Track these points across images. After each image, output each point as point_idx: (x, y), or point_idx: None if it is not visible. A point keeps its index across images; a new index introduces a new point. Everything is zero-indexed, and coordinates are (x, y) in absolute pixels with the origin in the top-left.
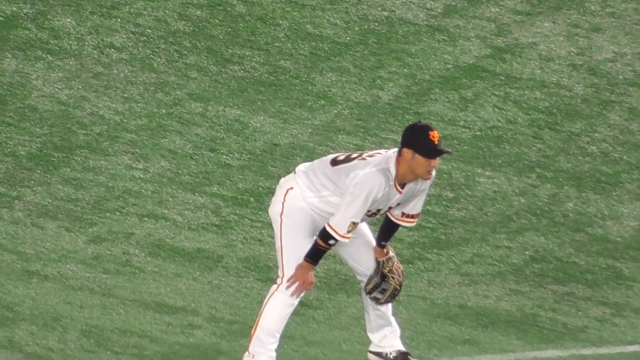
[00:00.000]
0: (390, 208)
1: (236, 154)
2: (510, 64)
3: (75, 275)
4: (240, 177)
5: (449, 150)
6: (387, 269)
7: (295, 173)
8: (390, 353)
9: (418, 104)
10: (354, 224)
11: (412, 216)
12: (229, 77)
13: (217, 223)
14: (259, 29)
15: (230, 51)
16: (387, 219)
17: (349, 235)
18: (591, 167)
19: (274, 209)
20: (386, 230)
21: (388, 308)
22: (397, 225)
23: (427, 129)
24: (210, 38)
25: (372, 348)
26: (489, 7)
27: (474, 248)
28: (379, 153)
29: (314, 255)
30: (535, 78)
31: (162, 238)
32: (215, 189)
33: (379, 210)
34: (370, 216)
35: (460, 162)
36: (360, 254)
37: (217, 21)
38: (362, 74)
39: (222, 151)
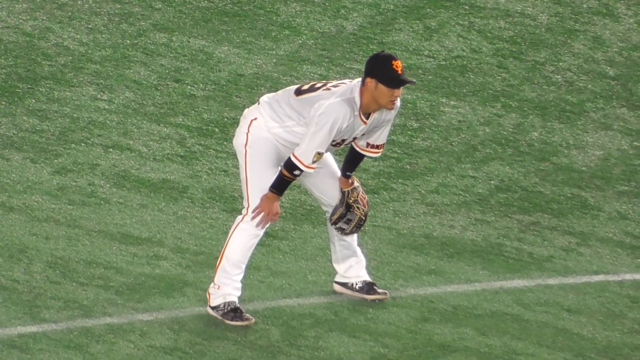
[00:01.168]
0: (355, 138)
1: (201, 85)
2: None
3: (41, 206)
4: (205, 107)
5: (412, 80)
6: (352, 199)
7: (259, 104)
8: (356, 284)
9: (382, 33)
10: (319, 154)
11: (377, 146)
12: (193, 7)
13: (182, 154)
14: None
15: None
16: (352, 150)
17: (314, 165)
18: (556, 96)
19: (238, 139)
20: (351, 161)
21: (353, 239)
22: (362, 156)
23: (390, 58)
24: None
25: (337, 278)
26: None
27: (439, 178)
28: (343, 83)
29: (279, 186)
30: (499, 7)
31: (127, 169)
32: (180, 119)
33: (343, 141)
34: (334, 146)
35: (425, 92)
36: (325, 185)
37: None
38: (326, 4)
39: (186, 82)
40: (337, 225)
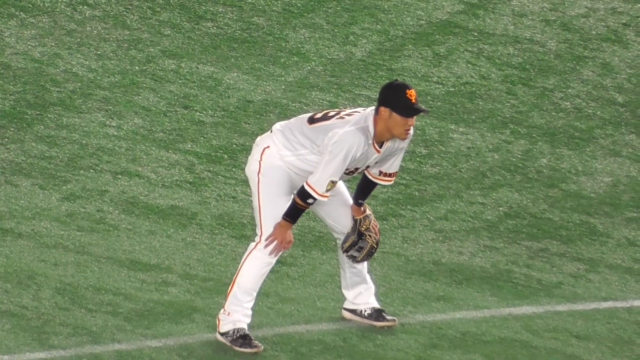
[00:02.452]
0: (367, 167)
1: (210, 111)
2: (484, 20)
3: (49, 232)
4: (214, 134)
5: (427, 109)
6: (364, 227)
7: (272, 132)
8: (365, 310)
9: (391, 60)
10: (333, 183)
11: (390, 175)
12: (202, 33)
13: (190, 180)
14: None
15: (204, 8)
16: (364, 178)
17: (328, 194)
18: (565, 122)
19: (251, 167)
20: (363, 189)
21: (363, 266)
22: (375, 184)
23: (404, 87)
24: None
25: (346, 305)
26: None
27: (448, 204)
28: (356, 111)
29: (292, 214)
30: (508, 34)
31: (136, 195)
32: (189, 146)
33: (356, 169)
34: (347, 174)
35: (434, 119)
36: (337, 213)
37: None
38: (335, 31)
39: (195, 108)
40: (348, 253)
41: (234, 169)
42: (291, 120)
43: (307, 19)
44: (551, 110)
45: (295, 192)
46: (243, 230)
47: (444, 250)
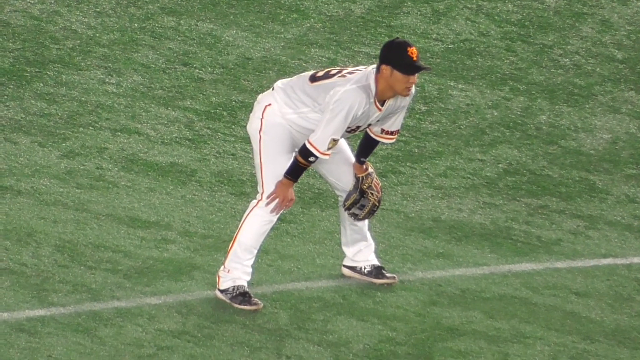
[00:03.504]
0: (369, 125)
1: (209, 68)
2: None
3: (49, 190)
4: (213, 91)
5: (428, 66)
6: (366, 185)
7: (273, 89)
8: (365, 267)
9: (390, 17)
10: (334, 141)
11: (392, 133)
12: None
13: (190, 137)
14: None
15: None
16: (367, 136)
17: (329, 152)
18: (564, 79)
19: (252, 125)
20: (365, 147)
21: (364, 223)
22: (377, 142)
23: (405, 45)
24: None
25: (346, 262)
26: None
27: (447, 161)
28: (358, 70)
29: (294, 172)
30: None
31: (135, 152)
32: (188, 103)
33: (358, 127)
34: (349, 132)
35: (433, 75)
36: (339, 170)
37: None
38: None
39: (194, 65)
40: (350, 211)
41: (233, 126)
42: (293, 78)
43: None
44: (550, 67)
45: (296, 150)
46: (242, 188)
47: (443, 207)
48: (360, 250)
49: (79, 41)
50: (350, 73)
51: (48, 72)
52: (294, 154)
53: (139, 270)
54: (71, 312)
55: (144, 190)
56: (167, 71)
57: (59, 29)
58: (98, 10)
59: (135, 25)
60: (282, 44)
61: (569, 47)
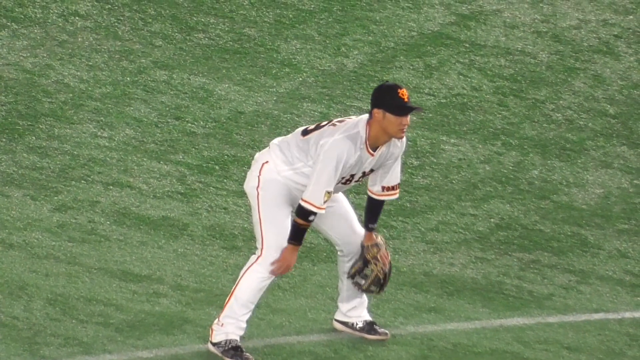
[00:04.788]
0: (364, 174)
1: (201, 122)
2: (475, 31)
3: (41, 243)
4: (206, 145)
5: (420, 107)
6: (371, 255)
7: (269, 147)
8: (357, 323)
9: (383, 71)
10: (329, 194)
11: (393, 187)
12: (194, 44)
13: (182, 191)
14: None
15: (195, 19)
16: (370, 200)
17: (325, 205)
18: (556, 134)
19: (250, 183)
20: (371, 210)
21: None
22: (381, 202)
23: (395, 87)
24: (175, 6)
25: (338, 316)
26: None
27: (439, 216)
28: (348, 118)
29: (296, 236)
30: (499, 45)
31: (128, 206)
32: (181, 157)
33: (352, 176)
34: (345, 183)
35: (425, 130)
36: (335, 223)
37: None
38: (327, 42)
39: (187, 119)
40: (353, 280)
41: (225, 180)
42: (288, 135)
43: (298, 30)
44: (542, 121)
45: (294, 211)
46: (234, 242)
47: (435, 261)
48: (355, 307)
49: (71, 95)
50: (339, 121)
51: (40, 126)
52: (292, 215)
53: (130, 324)
54: None
55: (136, 244)
56: (159, 125)
57: (51, 83)
58: (90, 64)
59: (128, 79)
60: (275, 98)
61: (561, 102)
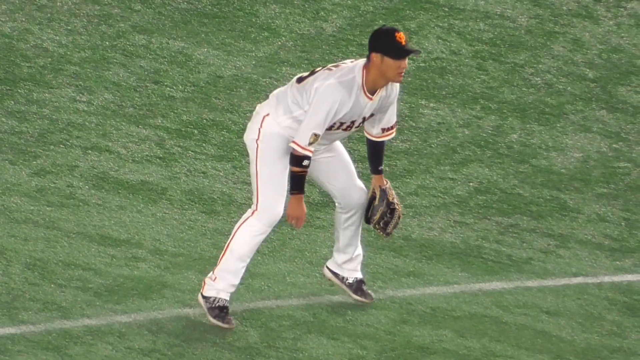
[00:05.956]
0: (364, 120)
1: (180, 86)
2: None
3: (19, 208)
4: (184, 109)
5: (418, 49)
6: (391, 197)
7: (269, 99)
8: (348, 278)
9: (361, 35)
10: (316, 136)
11: (391, 127)
12: (173, 9)
13: (161, 155)
14: None
15: None
16: (370, 143)
17: (312, 147)
18: (535, 98)
19: (250, 134)
20: (374, 153)
21: (358, 231)
22: (382, 144)
23: (392, 31)
24: None
25: (331, 265)
26: None
27: (418, 180)
28: (343, 63)
29: (295, 185)
30: (479, 9)
31: (106, 170)
32: (159, 121)
33: (353, 123)
34: (345, 130)
35: (404, 94)
36: (335, 174)
37: None
38: (306, 6)
39: (165, 83)
40: (379, 225)
41: (204, 144)
42: (285, 85)
43: None
44: (522, 85)
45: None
46: (213, 206)
47: (414, 225)
48: (351, 259)
49: (50, 59)
50: (335, 66)
51: (19, 90)
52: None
53: (109, 288)
54: (41, 330)
55: (115, 209)
56: (138, 89)
57: (30, 47)
58: (69, 28)
59: (107, 43)
60: (254, 62)
61: (540, 66)
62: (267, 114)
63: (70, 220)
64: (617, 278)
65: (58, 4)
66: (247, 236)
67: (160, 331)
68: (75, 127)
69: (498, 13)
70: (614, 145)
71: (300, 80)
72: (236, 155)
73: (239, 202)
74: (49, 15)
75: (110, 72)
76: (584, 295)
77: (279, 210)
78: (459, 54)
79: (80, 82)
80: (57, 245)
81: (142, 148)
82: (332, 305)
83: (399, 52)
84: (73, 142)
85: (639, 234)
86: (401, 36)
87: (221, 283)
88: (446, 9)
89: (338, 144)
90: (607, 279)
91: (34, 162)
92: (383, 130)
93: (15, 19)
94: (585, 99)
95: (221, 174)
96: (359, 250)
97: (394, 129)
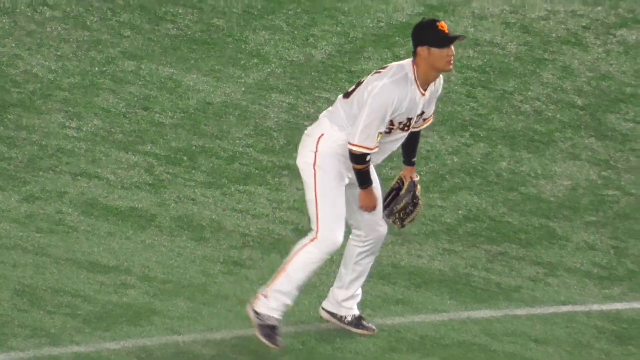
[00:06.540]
0: (419, 116)
1: (169, 113)
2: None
3: (8, 234)
4: (174, 135)
5: (462, 35)
6: (418, 191)
7: (319, 120)
8: (346, 317)
9: (351, 62)
10: (381, 134)
11: (429, 117)
12: (162, 35)
13: (150, 182)
14: None
15: (164, 9)
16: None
17: (377, 144)
18: (524, 125)
19: (305, 159)
20: (410, 144)
21: (368, 268)
22: (417, 134)
23: (433, 22)
24: None
25: (328, 307)
26: None
27: None
28: (389, 65)
29: (364, 179)
30: (468, 36)
31: (95, 197)
32: (149, 147)
33: (410, 120)
34: (404, 129)
35: None
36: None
37: None
38: (295, 33)
39: (155, 109)
40: (398, 215)
41: (193, 171)
42: (333, 105)
43: (267, 21)
44: (511, 113)
45: (350, 179)
46: (202, 233)
47: (402, 253)
48: (352, 296)
49: (39, 85)
50: (382, 68)
51: (8, 116)
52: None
53: (98, 315)
54: (30, 357)
55: (104, 235)
56: (127, 115)
57: (19, 73)
58: (59, 54)
59: (96, 69)
60: (243, 89)
61: (529, 93)
62: (322, 135)
63: (60, 246)
64: (605, 306)
65: (48, 29)
66: (305, 263)
67: (149, 358)
68: (65, 153)
69: (487, 40)
70: (603, 173)
71: (346, 95)
72: (225, 182)
73: (228, 228)
74: (38, 40)
75: (100, 98)
76: (573, 323)
77: (339, 239)
78: (448, 81)
79: (70, 108)
80: (46, 271)
81: (131, 174)
82: (320, 332)
83: (444, 40)
84: (62, 168)
85: (628, 262)
86: (443, 25)
87: (274, 302)
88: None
89: (376, 181)
90: (595, 307)
91: (23, 188)
92: (423, 120)
93: (4, 44)
94: (574, 127)
95: (210, 200)
96: (360, 291)
97: (431, 118)
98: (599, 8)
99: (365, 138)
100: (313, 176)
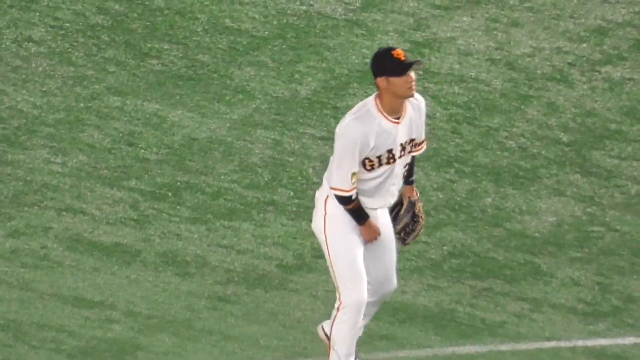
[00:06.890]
0: (403, 146)
1: (154, 148)
2: (429, 59)
3: None
4: (159, 171)
5: (419, 60)
6: (418, 209)
7: (322, 183)
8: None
9: (336, 98)
10: (354, 175)
11: (421, 142)
12: (147, 71)
13: (135, 217)
14: (177, 22)
15: (149, 45)
16: None
17: (354, 185)
18: (509, 162)
19: (317, 224)
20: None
21: (372, 314)
22: (413, 158)
23: (388, 50)
24: (129, 32)
25: (327, 329)
26: (407, 2)
27: None
28: (356, 105)
29: (359, 216)
30: (453, 73)
31: (80, 232)
32: (134, 183)
33: (391, 152)
34: (389, 162)
35: None
36: (380, 264)
37: (135, 15)
38: (281, 68)
39: (140, 145)
40: (399, 235)
41: (178, 207)
42: None
43: (252, 57)
44: (496, 149)
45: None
46: (187, 268)
47: None
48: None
49: (24, 120)
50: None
51: None
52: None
53: (83, 350)
54: None
55: (89, 270)
56: (112, 151)
57: (4, 108)
58: (44, 89)
59: (81, 104)
60: (228, 125)
61: (514, 129)
62: (327, 197)
63: (44, 281)
64: (590, 342)
65: (33, 65)
66: (343, 333)
67: None
68: (50, 189)
69: (472, 76)
70: (588, 209)
71: None
72: (210, 218)
73: (212, 264)
74: (23, 76)
75: (85, 134)
76: (557, 359)
77: (363, 297)
78: (434, 117)
79: (55, 144)
80: (31, 306)
81: (116, 210)
82: None
83: (401, 68)
84: (47, 204)
85: (612, 298)
86: (399, 53)
87: None
88: (420, 72)
89: (390, 232)
90: (580, 343)
91: (8, 224)
92: (415, 145)
93: None
94: (559, 163)
95: (195, 236)
96: (362, 329)
97: (423, 144)
98: (584, 45)
99: (340, 180)
100: (325, 242)
